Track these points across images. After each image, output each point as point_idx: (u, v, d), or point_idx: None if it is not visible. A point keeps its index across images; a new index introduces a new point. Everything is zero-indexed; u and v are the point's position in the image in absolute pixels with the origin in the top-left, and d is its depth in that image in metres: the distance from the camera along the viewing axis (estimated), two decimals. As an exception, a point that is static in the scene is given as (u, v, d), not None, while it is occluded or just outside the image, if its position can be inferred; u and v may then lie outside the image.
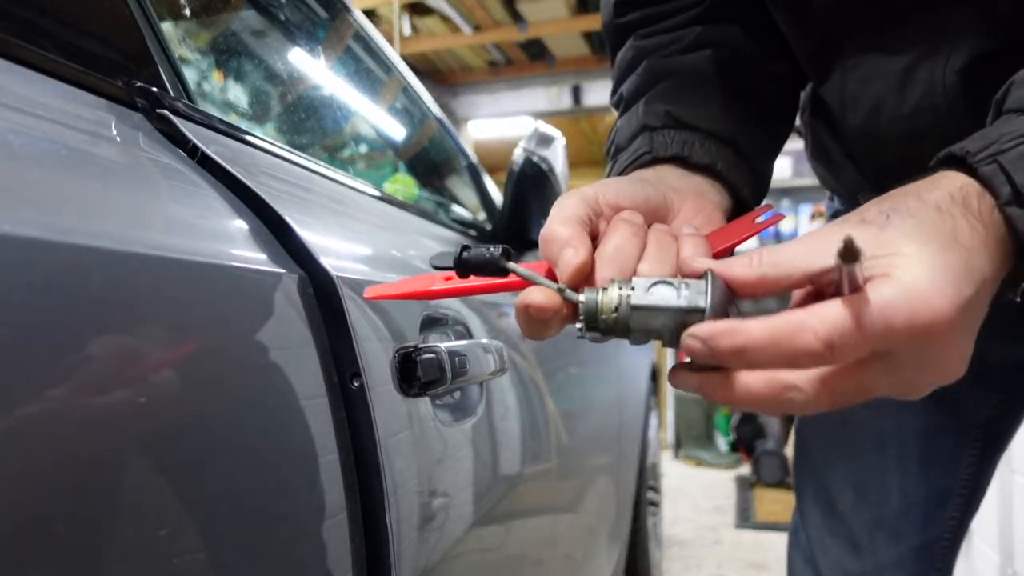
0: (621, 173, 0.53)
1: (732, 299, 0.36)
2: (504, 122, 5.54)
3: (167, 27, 0.59)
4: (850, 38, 0.54)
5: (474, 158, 1.38)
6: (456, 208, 1.33)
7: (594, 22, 4.30)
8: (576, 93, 5.07)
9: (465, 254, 0.39)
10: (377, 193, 0.82)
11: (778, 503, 3.23)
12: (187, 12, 0.67)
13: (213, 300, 0.39)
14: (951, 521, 0.75)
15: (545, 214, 1.32)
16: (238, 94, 0.76)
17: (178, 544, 0.33)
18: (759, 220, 0.45)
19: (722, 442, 4.26)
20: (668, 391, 4.45)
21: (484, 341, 0.66)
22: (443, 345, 0.55)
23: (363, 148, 1.43)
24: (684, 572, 2.48)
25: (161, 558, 0.32)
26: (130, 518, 0.31)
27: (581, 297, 0.36)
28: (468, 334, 0.67)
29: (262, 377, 0.40)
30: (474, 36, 4.40)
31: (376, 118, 1.25)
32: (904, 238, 0.33)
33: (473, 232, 1.16)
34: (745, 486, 3.53)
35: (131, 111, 0.46)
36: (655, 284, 0.35)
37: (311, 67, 0.99)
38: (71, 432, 0.29)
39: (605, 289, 0.36)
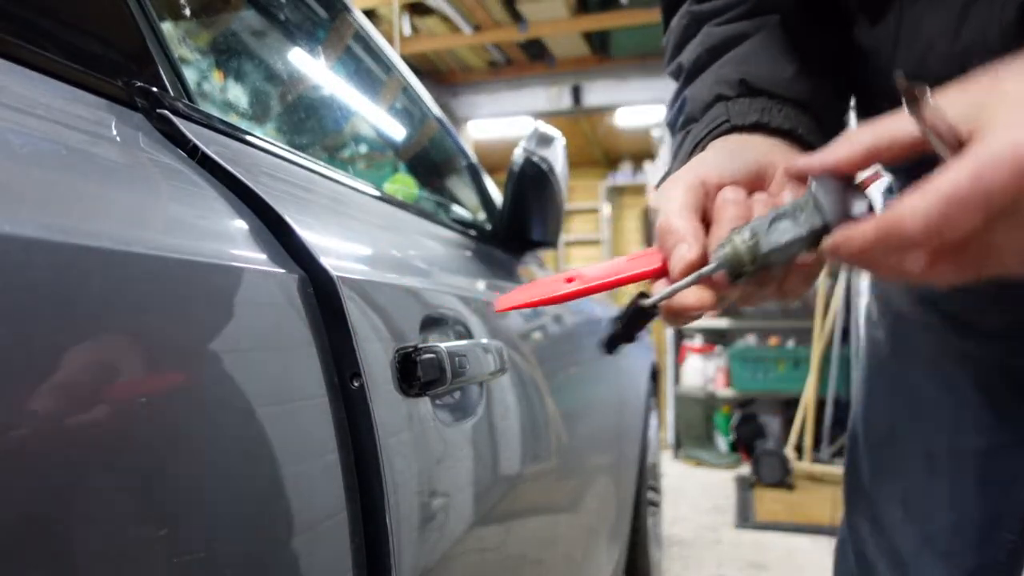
0: (698, 143, 0.53)
1: (849, 189, 0.37)
2: (504, 122, 5.54)
3: (167, 27, 0.59)
4: None
5: (474, 158, 1.38)
6: (456, 208, 1.32)
7: (594, 22, 4.30)
8: (576, 93, 5.07)
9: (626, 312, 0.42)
10: (377, 193, 0.82)
11: (778, 503, 3.23)
12: (187, 12, 0.66)
13: (213, 300, 0.39)
14: (1008, 544, 0.72)
15: (545, 214, 1.32)
16: (238, 94, 0.76)
17: (177, 544, 0.33)
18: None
19: (722, 442, 4.26)
20: (668, 391, 4.45)
21: (484, 341, 0.66)
22: (443, 345, 0.55)
23: (363, 148, 1.43)
24: (684, 572, 2.48)
25: (160, 558, 0.32)
26: (128, 518, 0.31)
27: (714, 262, 0.39)
28: (468, 334, 0.67)
29: (262, 377, 0.40)
30: (474, 36, 4.40)
31: (376, 118, 1.25)
32: (1013, 79, 0.32)
33: (473, 232, 1.16)
34: (745, 486, 3.53)
35: (131, 111, 0.46)
36: (773, 221, 0.38)
37: (311, 67, 0.99)
38: (70, 432, 0.29)
39: (730, 241, 0.38)
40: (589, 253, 7.98)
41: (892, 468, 0.76)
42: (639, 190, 7.23)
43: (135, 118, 0.46)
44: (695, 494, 3.50)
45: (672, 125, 0.58)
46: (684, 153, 0.54)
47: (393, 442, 0.49)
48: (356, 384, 0.47)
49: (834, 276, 3.83)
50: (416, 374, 0.53)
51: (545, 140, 1.15)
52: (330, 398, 0.45)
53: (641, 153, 7.03)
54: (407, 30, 4.29)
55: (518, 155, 1.13)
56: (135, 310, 0.34)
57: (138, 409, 0.32)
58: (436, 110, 1.31)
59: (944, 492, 0.72)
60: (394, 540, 0.47)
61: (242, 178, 0.47)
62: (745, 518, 3.07)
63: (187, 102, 0.50)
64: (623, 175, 7.53)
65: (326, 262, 0.47)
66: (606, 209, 7.76)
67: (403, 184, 1.44)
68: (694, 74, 0.56)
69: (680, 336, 4.49)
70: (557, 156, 1.16)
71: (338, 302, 0.47)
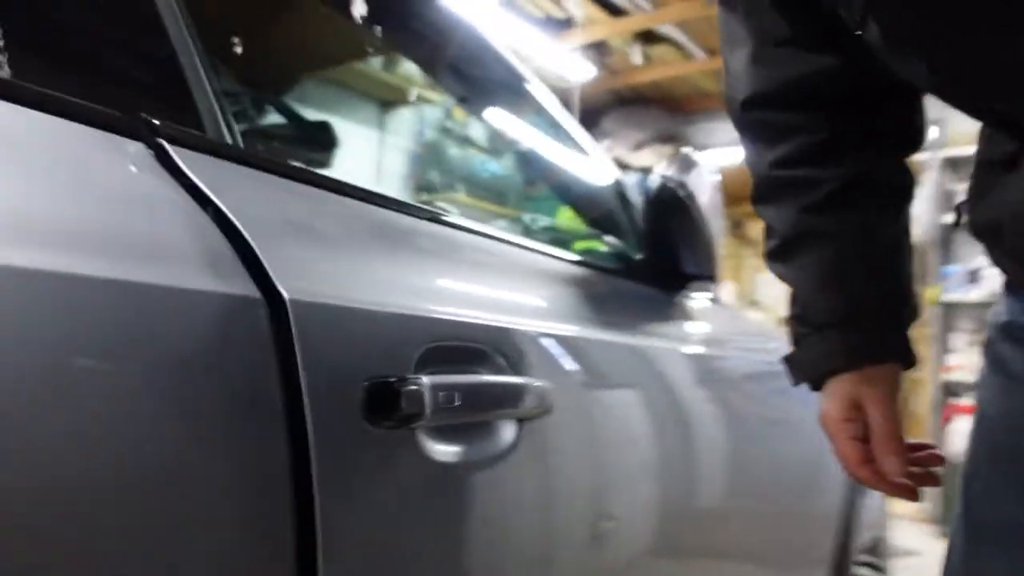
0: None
1: None
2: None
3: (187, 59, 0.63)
4: None
5: (625, 182, 1.31)
6: (608, 238, 1.26)
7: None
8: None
9: None
10: (476, 228, 0.79)
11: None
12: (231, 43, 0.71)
13: (165, 323, 0.40)
14: None
15: (689, 243, 1.19)
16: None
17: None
18: None
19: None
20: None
21: (510, 379, 0.60)
22: (426, 379, 0.51)
23: (515, 180, 1.43)
24: None
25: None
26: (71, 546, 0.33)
27: None
28: (508, 369, 0.62)
29: (209, 403, 0.41)
30: (707, 61, 4.24)
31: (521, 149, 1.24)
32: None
33: (610, 265, 1.09)
34: None
35: (128, 138, 0.48)
36: None
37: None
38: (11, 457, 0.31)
39: None
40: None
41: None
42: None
43: (129, 145, 0.48)
44: None
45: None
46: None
47: (341, 478, 0.46)
48: (310, 414, 0.45)
49: None
50: (389, 407, 0.49)
51: (687, 165, 1.05)
52: (277, 427, 0.44)
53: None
54: (638, 59, 4.27)
55: (653, 181, 1.04)
56: (89, 333, 0.36)
57: (77, 436, 0.34)
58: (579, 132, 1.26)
59: None
60: None
61: (218, 202, 0.48)
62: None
63: (181, 127, 0.52)
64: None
65: (282, 284, 0.46)
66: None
67: (566, 218, 1.42)
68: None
69: (946, 393, 3.82)
70: (700, 181, 1.06)
71: (288, 328, 0.45)
